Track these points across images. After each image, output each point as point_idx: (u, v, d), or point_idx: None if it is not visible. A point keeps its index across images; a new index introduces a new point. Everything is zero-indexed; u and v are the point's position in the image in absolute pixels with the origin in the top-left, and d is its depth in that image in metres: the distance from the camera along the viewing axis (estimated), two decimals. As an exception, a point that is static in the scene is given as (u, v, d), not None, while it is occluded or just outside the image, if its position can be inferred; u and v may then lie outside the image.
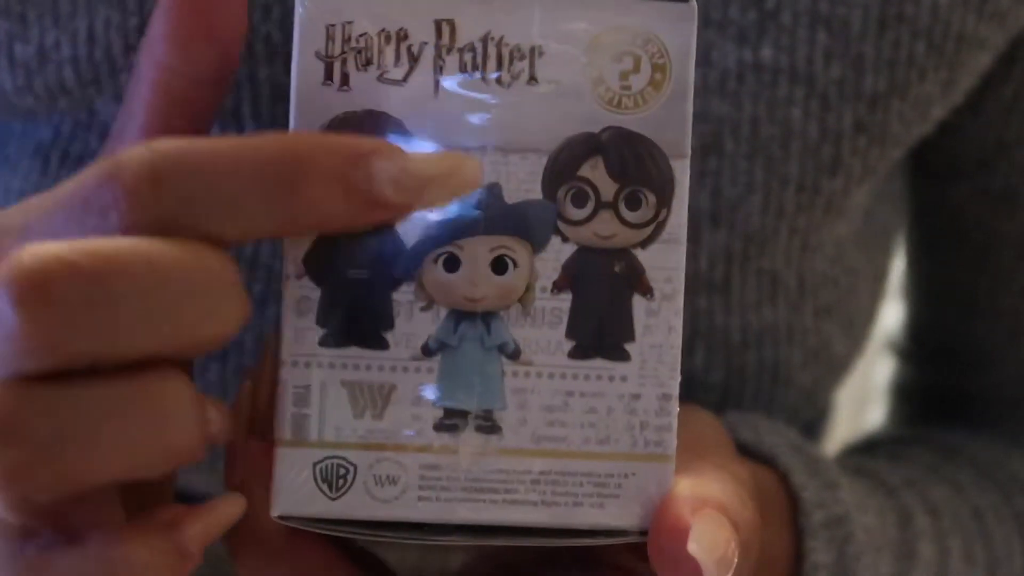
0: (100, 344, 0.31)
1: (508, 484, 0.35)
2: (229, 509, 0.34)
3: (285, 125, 0.36)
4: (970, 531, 0.51)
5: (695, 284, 0.47)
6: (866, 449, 0.57)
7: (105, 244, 0.31)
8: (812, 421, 0.56)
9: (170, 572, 0.33)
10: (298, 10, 0.34)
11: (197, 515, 0.34)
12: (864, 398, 0.64)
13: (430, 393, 0.35)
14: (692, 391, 0.48)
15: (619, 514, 0.35)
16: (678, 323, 0.35)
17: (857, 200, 0.49)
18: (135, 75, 0.36)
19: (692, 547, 0.33)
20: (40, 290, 0.30)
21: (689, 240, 0.42)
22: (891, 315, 0.60)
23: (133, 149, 0.32)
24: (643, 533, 0.35)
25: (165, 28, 0.35)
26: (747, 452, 0.46)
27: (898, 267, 0.58)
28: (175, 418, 0.32)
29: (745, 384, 0.49)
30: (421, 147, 0.34)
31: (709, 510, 0.34)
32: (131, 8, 0.45)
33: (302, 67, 0.34)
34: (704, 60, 0.46)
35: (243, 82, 0.46)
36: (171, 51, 0.35)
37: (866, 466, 0.51)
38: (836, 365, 0.52)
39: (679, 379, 0.35)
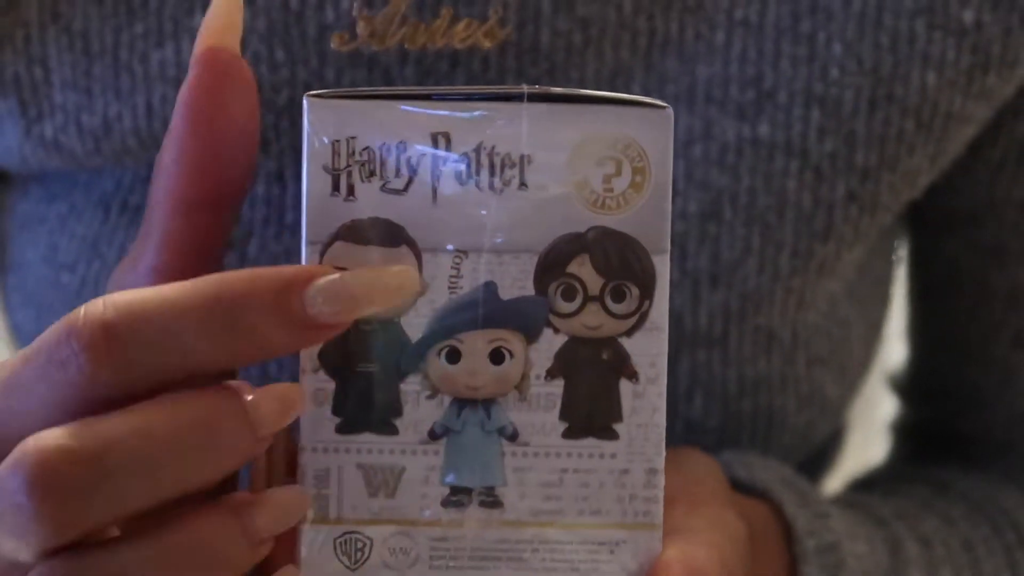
0: (115, 511, 0.34)
1: (510, 552, 0.38)
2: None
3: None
4: (961, 562, 0.54)
5: (695, 338, 0.50)
6: (863, 486, 0.60)
7: (97, 426, 0.34)
8: (821, 450, 0.59)
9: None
10: (306, 128, 0.38)
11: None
12: (877, 425, 0.66)
13: (437, 473, 0.38)
14: (691, 435, 0.51)
15: None
16: (662, 404, 0.38)
17: (849, 260, 0.52)
18: (150, 197, 0.39)
19: None
20: (48, 479, 0.34)
21: (690, 298, 0.44)
22: (894, 352, 0.63)
23: (89, 305, 0.35)
24: None
25: (174, 155, 0.38)
26: (742, 488, 0.49)
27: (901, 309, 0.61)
28: (225, 550, 0.35)
29: (741, 428, 0.52)
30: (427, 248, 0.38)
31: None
32: None
33: (312, 179, 0.38)
34: (706, 135, 0.49)
35: (286, 150, 0.50)
36: (180, 180, 0.38)
37: (857, 500, 0.55)
38: (829, 408, 0.55)
39: (664, 455, 0.39)
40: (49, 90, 0.51)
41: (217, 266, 0.40)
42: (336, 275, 0.36)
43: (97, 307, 0.35)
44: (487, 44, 0.48)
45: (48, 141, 0.51)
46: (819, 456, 0.59)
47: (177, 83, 0.49)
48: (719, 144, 0.50)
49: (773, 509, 0.49)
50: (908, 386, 0.63)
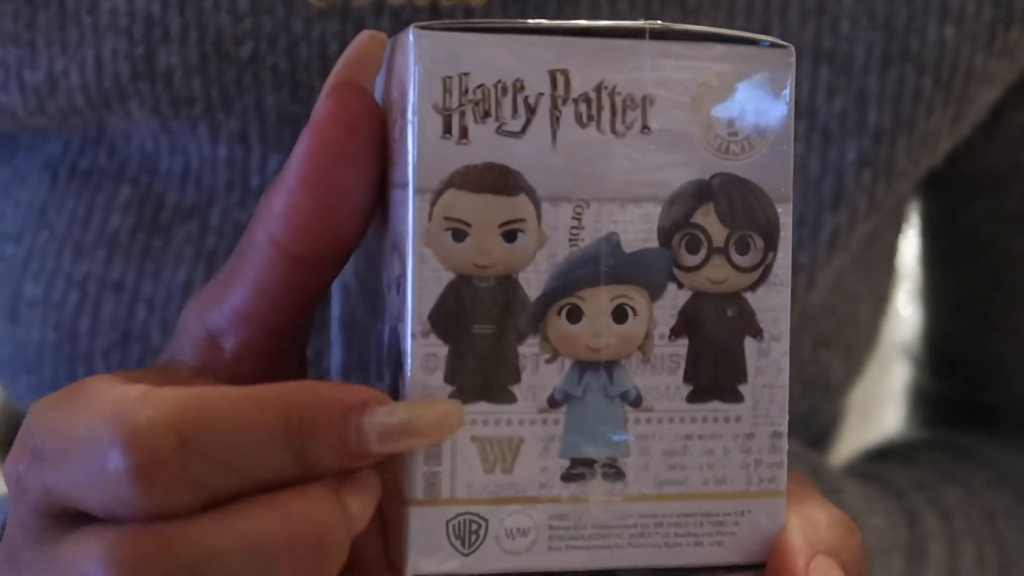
0: None
1: (633, 528, 0.35)
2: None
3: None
4: (983, 534, 0.53)
5: None
6: (879, 455, 0.58)
7: (197, 532, 0.30)
8: (815, 436, 0.57)
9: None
10: (412, 62, 0.34)
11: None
12: (877, 401, 0.65)
13: (557, 444, 0.35)
14: None
15: (737, 550, 0.36)
16: (786, 363, 0.36)
17: (862, 231, 0.51)
18: (249, 232, 0.34)
19: None
20: None
21: None
22: (906, 320, 0.62)
23: (148, 409, 0.30)
24: (758, 567, 0.36)
25: (283, 205, 0.34)
26: None
27: (911, 278, 0.60)
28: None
29: None
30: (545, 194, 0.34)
31: (823, 558, 0.35)
32: (137, 38, 0.44)
33: (422, 120, 0.34)
34: None
35: (250, 108, 0.45)
36: (286, 232, 0.34)
37: (873, 470, 0.53)
38: (833, 391, 0.53)
39: (788, 417, 0.36)
40: None
41: (309, 319, 0.36)
42: (392, 409, 0.33)
43: (161, 415, 0.30)
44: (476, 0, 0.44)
45: None
46: (815, 441, 0.58)
47: (130, 34, 0.44)
48: None
49: None
50: (925, 356, 0.62)
